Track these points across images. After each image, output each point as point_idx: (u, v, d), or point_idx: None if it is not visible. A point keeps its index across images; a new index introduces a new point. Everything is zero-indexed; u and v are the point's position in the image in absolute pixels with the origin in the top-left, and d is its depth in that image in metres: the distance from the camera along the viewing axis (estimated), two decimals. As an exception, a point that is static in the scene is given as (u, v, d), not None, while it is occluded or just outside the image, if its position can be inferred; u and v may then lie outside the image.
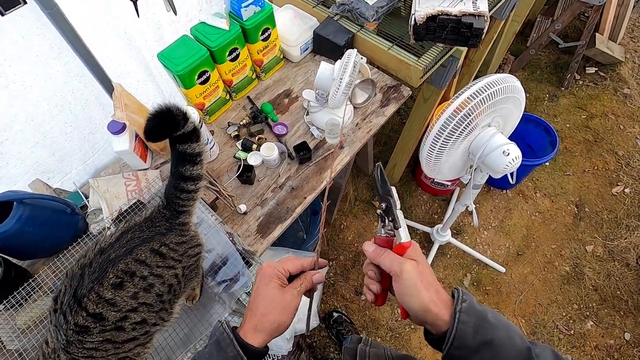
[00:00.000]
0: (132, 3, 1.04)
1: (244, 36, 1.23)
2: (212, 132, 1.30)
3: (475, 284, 2.01)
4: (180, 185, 0.75)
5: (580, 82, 2.69)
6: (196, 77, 1.15)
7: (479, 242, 2.13)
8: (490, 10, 1.23)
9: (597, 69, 2.72)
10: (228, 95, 1.33)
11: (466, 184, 1.23)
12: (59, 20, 0.96)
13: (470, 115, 0.94)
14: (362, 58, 1.15)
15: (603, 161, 2.36)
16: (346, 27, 1.36)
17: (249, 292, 0.99)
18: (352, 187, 2.29)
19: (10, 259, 0.94)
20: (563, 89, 2.66)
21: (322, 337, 1.90)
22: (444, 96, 1.60)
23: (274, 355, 1.52)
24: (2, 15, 0.86)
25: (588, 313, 1.90)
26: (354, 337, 0.71)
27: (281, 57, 1.43)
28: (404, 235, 0.54)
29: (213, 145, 1.22)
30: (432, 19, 1.19)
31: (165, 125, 0.66)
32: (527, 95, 0.89)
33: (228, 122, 1.31)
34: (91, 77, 1.13)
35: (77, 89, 1.15)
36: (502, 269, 2.01)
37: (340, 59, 1.13)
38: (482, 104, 0.93)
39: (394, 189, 0.57)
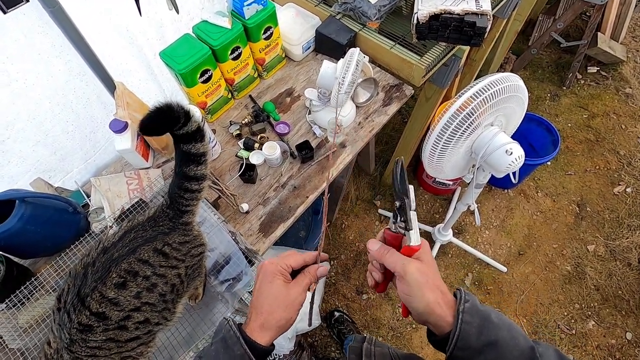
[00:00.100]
0: (134, 1, 1.04)
1: (246, 35, 1.22)
2: (214, 131, 1.30)
3: (476, 283, 2.01)
4: (184, 184, 0.74)
5: (582, 82, 2.69)
6: (198, 75, 1.15)
7: (480, 241, 2.12)
8: (492, 9, 1.23)
9: (598, 68, 2.72)
10: (230, 94, 1.33)
11: (468, 184, 1.23)
12: (61, 19, 0.95)
13: (472, 115, 0.94)
14: (364, 57, 1.15)
15: (605, 161, 2.36)
16: (348, 25, 1.36)
17: (251, 291, 0.99)
18: (353, 187, 2.28)
19: (12, 257, 0.94)
20: (565, 88, 2.65)
21: (323, 336, 1.90)
22: (446, 95, 1.60)
23: (276, 354, 1.52)
24: (4, 13, 0.85)
25: (590, 313, 1.90)
26: (358, 336, 0.71)
27: (283, 55, 1.43)
28: (414, 238, 0.53)
29: (215, 144, 1.22)
30: (434, 17, 1.18)
31: (162, 121, 0.64)
32: (529, 94, 0.89)
33: (230, 121, 1.31)
34: (93, 76, 1.13)
35: (79, 88, 1.15)
36: (504, 269, 2.01)
37: (343, 57, 1.12)
38: (484, 103, 0.93)
39: (411, 189, 0.55)
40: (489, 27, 1.18)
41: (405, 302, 0.52)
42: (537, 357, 0.46)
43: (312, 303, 0.63)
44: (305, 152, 1.21)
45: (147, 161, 1.21)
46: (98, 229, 1.05)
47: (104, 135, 1.30)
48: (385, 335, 1.89)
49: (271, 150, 1.18)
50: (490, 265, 2.03)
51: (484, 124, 1.00)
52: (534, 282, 1.99)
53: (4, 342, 0.89)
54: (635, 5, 2.71)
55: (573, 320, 1.89)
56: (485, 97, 0.92)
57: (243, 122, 1.30)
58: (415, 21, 1.21)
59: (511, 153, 0.98)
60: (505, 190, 2.28)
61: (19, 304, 0.90)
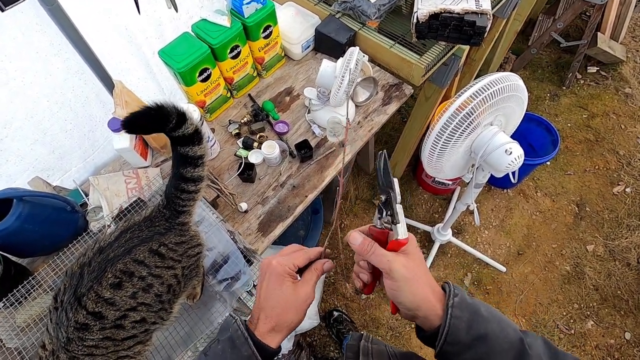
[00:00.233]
0: (132, 0, 1.04)
1: (245, 34, 1.22)
2: (213, 130, 1.29)
3: (475, 283, 2.01)
4: (181, 185, 0.74)
5: (582, 82, 2.69)
6: (197, 74, 1.14)
7: (479, 241, 2.12)
8: (492, 9, 1.23)
9: (598, 68, 2.72)
10: (229, 93, 1.33)
11: (467, 183, 1.23)
12: (59, 17, 0.95)
13: (472, 114, 0.94)
14: (364, 56, 1.14)
15: (604, 161, 2.36)
16: (348, 25, 1.36)
17: (249, 290, 0.99)
18: (352, 186, 2.28)
19: (9, 256, 0.94)
20: (564, 88, 2.65)
21: (322, 336, 1.90)
22: (446, 95, 1.60)
23: (275, 354, 1.51)
24: (2, 11, 0.85)
25: (589, 313, 1.90)
26: (355, 334, 0.70)
27: (282, 54, 1.42)
28: (401, 231, 0.51)
29: (214, 143, 1.21)
30: (434, 17, 1.18)
31: (148, 120, 0.62)
32: (529, 94, 0.88)
33: (229, 120, 1.30)
34: (91, 74, 1.13)
35: (77, 86, 1.15)
36: (503, 269, 2.01)
37: (342, 56, 1.12)
38: (484, 102, 0.93)
39: (396, 181, 0.53)
40: (489, 27, 1.18)
41: (392, 298, 0.51)
42: (526, 348, 0.46)
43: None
44: (304, 151, 1.21)
45: (145, 160, 1.21)
46: (96, 228, 1.05)
47: (102, 134, 1.29)
48: (385, 334, 1.88)
49: (270, 149, 1.17)
50: (489, 265, 2.03)
51: (483, 124, 1.00)
52: (533, 282, 1.99)
53: (2, 342, 0.88)
54: (635, 6, 2.71)
55: (572, 320, 1.89)
56: (485, 96, 0.92)
57: (242, 121, 1.29)
58: (415, 20, 1.20)
59: (510, 153, 0.98)
60: (505, 190, 2.28)
61: (16, 303, 0.90)
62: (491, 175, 1.12)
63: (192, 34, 1.17)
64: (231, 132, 1.28)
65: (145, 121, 0.62)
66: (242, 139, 1.25)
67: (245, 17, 1.18)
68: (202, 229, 1.00)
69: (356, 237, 0.53)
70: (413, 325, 1.94)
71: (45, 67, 1.04)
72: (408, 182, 2.31)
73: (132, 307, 0.67)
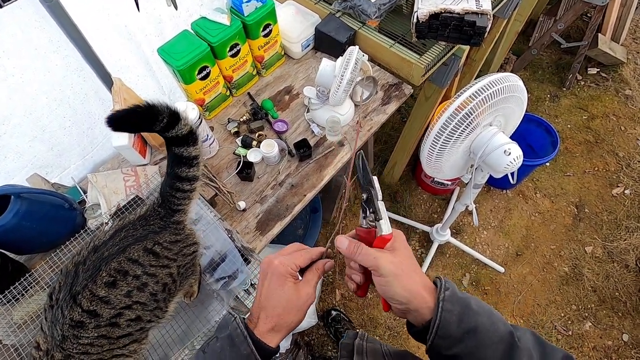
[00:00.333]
0: (132, -3, 1.04)
1: (245, 32, 1.22)
2: (212, 128, 1.29)
3: (474, 283, 2.01)
4: (176, 184, 0.74)
5: (582, 83, 2.68)
6: (196, 72, 1.14)
7: (478, 241, 2.12)
8: (493, 9, 1.23)
9: (599, 69, 2.72)
10: (228, 91, 1.33)
11: (466, 184, 1.23)
12: (58, 14, 0.95)
13: (471, 114, 0.93)
14: (363, 55, 1.14)
15: (603, 162, 2.35)
16: (348, 24, 1.36)
17: (247, 289, 0.99)
18: (352, 186, 2.28)
19: (7, 253, 0.94)
20: (564, 89, 2.65)
21: (320, 335, 1.90)
22: (445, 95, 1.59)
23: (272, 352, 1.51)
24: (1, 7, 0.85)
25: (586, 314, 1.90)
26: (350, 332, 0.70)
27: (282, 53, 1.42)
28: (385, 227, 0.52)
29: (213, 142, 1.21)
30: (434, 16, 1.18)
31: (136, 118, 0.61)
32: (529, 95, 0.88)
33: (228, 119, 1.30)
34: (90, 72, 1.12)
35: (76, 83, 1.15)
36: (501, 269, 2.01)
37: (342, 56, 1.12)
38: (483, 102, 0.92)
39: (375, 179, 0.55)
40: (489, 27, 1.18)
41: (383, 294, 0.51)
42: (516, 341, 0.46)
43: None
44: (303, 150, 1.20)
45: (144, 158, 1.21)
46: (94, 225, 1.04)
47: (101, 131, 1.29)
48: (382, 334, 1.89)
49: (269, 148, 1.17)
50: (487, 265, 2.03)
51: (482, 124, 0.99)
52: (531, 283, 1.99)
53: (-2, 338, 0.88)
54: (636, 7, 2.71)
55: (570, 322, 1.89)
56: (485, 96, 0.92)
57: (241, 119, 1.29)
58: (415, 20, 1.20)
59: (510, 153, 0.98)
60: (504, 191, 2.28)
61: (13, 300, 0.90)
62: (490, 175, 1.12)
63: (192, 32, 1.17)
64: (230, 131, 1.27)
65: (132, 119, 0.62)
66: (241, 137, 1.25)
67: (245, 15, 1.18)
68: (200, 227, 1.00)
69: (342, 241, 0.54)
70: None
71: (44, 64, 1.04)
72: (407, 182, 2.31)
73: (127, 305, 0.67)
